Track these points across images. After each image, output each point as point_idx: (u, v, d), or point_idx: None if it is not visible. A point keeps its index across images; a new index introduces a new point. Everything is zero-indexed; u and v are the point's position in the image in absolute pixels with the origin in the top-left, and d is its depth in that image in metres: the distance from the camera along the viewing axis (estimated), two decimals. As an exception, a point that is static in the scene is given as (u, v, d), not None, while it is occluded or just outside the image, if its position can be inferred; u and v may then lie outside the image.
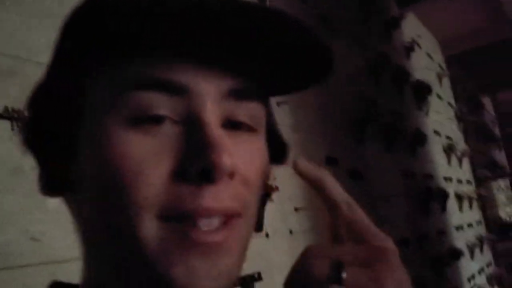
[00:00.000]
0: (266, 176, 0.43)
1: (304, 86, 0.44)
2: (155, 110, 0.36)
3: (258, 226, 1.66)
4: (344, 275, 0.36)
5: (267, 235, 1.74)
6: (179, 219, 0.36)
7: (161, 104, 0.36)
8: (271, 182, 1.58)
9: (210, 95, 0.37)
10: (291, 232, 1.89)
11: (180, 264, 0.36)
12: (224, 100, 0.38)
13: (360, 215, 0.42)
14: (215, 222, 0.37)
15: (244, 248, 0.41)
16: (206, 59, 0.37)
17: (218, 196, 0.36)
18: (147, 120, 0.36)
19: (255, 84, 0.40)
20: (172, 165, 0.36)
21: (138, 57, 0.36)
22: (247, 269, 1.57)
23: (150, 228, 0.36)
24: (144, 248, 0.36)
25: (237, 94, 0.39)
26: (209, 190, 0.36)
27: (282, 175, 1.86)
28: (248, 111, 0.40)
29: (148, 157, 0.36)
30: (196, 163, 0.35)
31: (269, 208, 1.74)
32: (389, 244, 0.40)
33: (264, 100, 0.43)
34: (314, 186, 0.43)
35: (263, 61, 0.38)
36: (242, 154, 0.39)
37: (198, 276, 0.36)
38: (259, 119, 0.42)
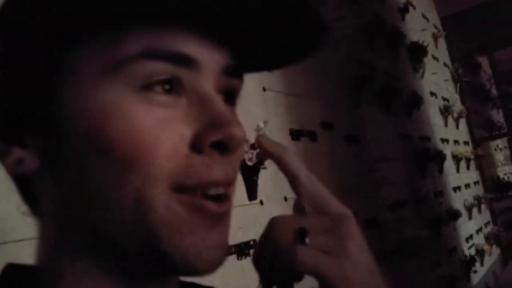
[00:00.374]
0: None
1: (296, 58, 0.44)
2: (163, 79, 0.36)
3: (252, 195, 1.66)
4: (307, 240, 0.39)
5: (261, 202, 1.74)
6: (191, 190, 0.37)
7: (169, 74, 0.36)
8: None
9: (213, 69, 0.38)
10: (285, 199, 1.89)
11: (191, 236, 0.36)
12: (220, 75, 0.39)
13: (320, 187, 0.45)
14: (226, 191, 0.39)
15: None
16: (208, 32, 0.37)
17: (227, 167, 0.38)
18: (156, 90, 0.36)
19: (246, 60, 0.41)
20: (185, 137, 0.36)
21: (143, 27, 0.35)
22: (243, 237, 1.58)
23: (163, 200, 0.36)
24: (156, 220, 0.35)
25: (230, 70, 0.40)
26: (220, 161, 0.37)
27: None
28: (234, 87, 0.42)
29: (160, 128, 0.36)
30: (212, 136, 0.36)
31: (263, 175, 1.74)
32: (348, 212, 0.43)
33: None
34: (276, 161, 0.46)
35: (255, 33, 0.39)
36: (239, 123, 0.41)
37: (207, 247, 0.37)
38: (239, 93, 0.43)
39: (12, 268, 0.43)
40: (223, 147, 0.37)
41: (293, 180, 0.45)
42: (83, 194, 0.37)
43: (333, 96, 2.63)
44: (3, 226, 1.06)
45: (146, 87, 0.35)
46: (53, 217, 0.40)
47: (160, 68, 0.36)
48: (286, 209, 1.90)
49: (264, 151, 0.46)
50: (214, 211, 0.38)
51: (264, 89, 1.97)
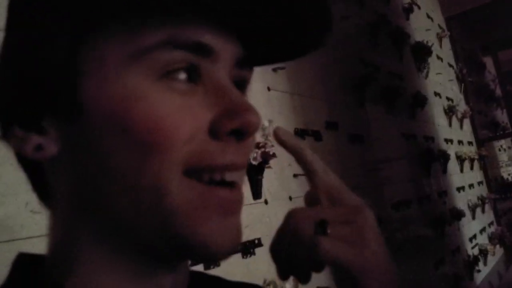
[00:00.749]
0: None
1: (303, 50, 0.45)
2: (182, 67, 0.37)
3: (257, 194, 1.67)
4: (329, 230, 0.41)
5: (266, 202, 1.75)
6: (204, 172, 0.38)
7: (188, 62, 0.37)
8: (269, 149, 1.58)
9: (229, 60, 0.40)
10: (290, 198, 1.90)
11: (206, 222, 0.37)
12: (233, 66, 0.41)
13: (336, 179, 0.47)
14: (239, 177, 0.40)
15: None
16: (223, 24, 0.39)
17: (240, 152, 0.39)
18: (175, 78, 0.37)
19: (257, 52, 0.43)
20: (204, 124, 0.37)
21: (165, 17, 0.36)
22: (248, 235, 1.59)
23: (178, 185, 0.36)
24: (172, 205, 0.36)
25: (242, 62, 0.41)
26: (236, 146, 0.39)
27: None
28: (244, 78, 0.43)
29: (180, 114, 0.36)
30: (230, 124, 0.37)
31: (268, 175, 1.74)
32: (363, 204, 0.45)
33: None
34: (294, 155, 0.48)
35: (268, 23, 0.40)
36: None
37: (222, 232, 0.38)
38: (249, 85, 0.45)
39: (24, 258, 0.43)
40: (240, 134, 0.38)
41: (309, 172, 0.47)
42: (103, 177, 0.37)
43: (337, 96, 2.64)
44: (13, 224, 1.07)
45: (167, 74, 0.37)
46: (68, 203, 0.40)
47: (180, 57, 0.37)
48: (289, 208, 1.90)
49: (282, 144, 0.48)
50: (228, 198, 0.39)
51: (268, 89, 1.98)
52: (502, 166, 7.63)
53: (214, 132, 0.38)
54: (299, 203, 1.93)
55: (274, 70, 2.01)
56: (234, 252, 0.41)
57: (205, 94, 0.38)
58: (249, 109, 0.38)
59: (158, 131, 0.36)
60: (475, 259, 4.35)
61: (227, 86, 0.39)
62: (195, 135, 0.37)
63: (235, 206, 0.40)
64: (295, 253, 0.43)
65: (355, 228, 0.42)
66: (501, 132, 7.29)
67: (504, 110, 7.70)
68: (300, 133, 2.11)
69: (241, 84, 0.43)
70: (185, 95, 0.37)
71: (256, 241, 1.61)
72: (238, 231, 0.40)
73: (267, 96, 1.95)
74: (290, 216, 0.44)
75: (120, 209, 0.37)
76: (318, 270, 0.43)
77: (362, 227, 0.42)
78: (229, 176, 0.39)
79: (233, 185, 0.39)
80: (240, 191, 0.41)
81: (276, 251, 0.46)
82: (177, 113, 0.36)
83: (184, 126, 0.36)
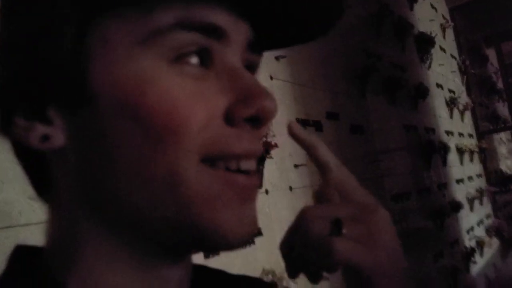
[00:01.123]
0: None
1: (312, 35, 0.44)
2: (194, 50, 0.36)
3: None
4: (344, 230, 0.40)
5: (266, 191, 1.74)
6: (221, 160, 0.36)
7: (200, 45, 0.36)
8: (270, 139, 1.57)
9: (240, 43, 0.38)
10: (291, 188, 1.89)
11: (223, 210, 0.36)
12: (245, 50, 0.39)
13: (349, 176, 0.46)
14: (254, 165, 0.38)
15: None
16: (234, 7, 0.37)
17: (257, 140, 0.38)
18: (187, 62, 0.36)
19: (267, 35, 0.41)
20: (219, 110, 0.36)
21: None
22: (247, 225, 1.58)
23: (195, 173, 0.35)
24: (189, 194, 0.35)
25: (253, 45, 0.40)
26: (252, 133, 0.37)
27: (282, 133, 1.85)
28: (255, 62, 0.42)
29: (194, 100, 0.35)
30: (246, 111, 0.36)
31: (269, 165, 1.74)
32: (376, 202, 0.44)
33: None
34: (307, 149, 0.47)
35: (276, 6, 0.39)
36: None
37: (240, 220, 0.37)
38: (258, 69, 0.43)
39: (21, 250, 0.42)
40: (257, 121, 0.37)
41: (323, 168, 0.46)
42: (113, 168, 0.36)
43: (338, 86, 2.62)
44: (10, 210, 1.06)
45: (178, 58, 0.35)
46: (71, 195, 0.38)
47: (192, 39, 0.35)
48: (291, 199, 1.90)
49: (295, 138, 0.47)
50: (245, 184, 0.37)
51: (271, 78, 1.97)
52: (501, 159, 7.64)
53: (229, 118, 0.36)
54: (300, 193, 1.94)
55: (277, 58, 1.99)
56: (250, 241, 0.40)
57: (218, 79, 0.37)
58: (265, 94, 0.37)
59: (173, 117, 0.34)
60: (472, 251, 4.37)
61: (240, 69, 0.38)
62: (210, 121, 0.35)
63: (253, 193, 0.39)
64: (307, 252, 0.42)
65: (369, 228, 0.41)
66: (502, 125, 7.29)
67: (505, 103, 7.69)
68: (301, 123, 2.09)
69: (252, 69, 0.42)
70: (198, 79, 0.36)
71: (256, 231, 1.60)
72: (255, 218, 0.39)
73: (269, 85, 1.93)
74: (303, 214, 0.43)
75: (130, 201, 0.36)
76: (331, 271, 0.42)
77: (376, 226, 0.41)
78: (244, 165, 0.37)
79: (250, 173, 0.38)
80: (256, 178, 0.39)
81: (287, 248, 0.44)
82: (191, 98, 0.35)
83: (200, 112, 0.35)
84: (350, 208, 0.43)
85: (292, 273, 0.45)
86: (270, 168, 1.75)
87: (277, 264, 1.58)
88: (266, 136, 1.55)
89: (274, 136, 1.56)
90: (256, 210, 0.39)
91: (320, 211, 0.42)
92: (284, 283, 1.57)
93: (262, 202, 1.70)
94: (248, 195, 0.38)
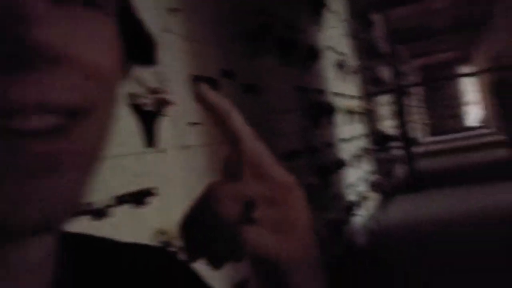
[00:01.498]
0: (121, 71, 0.34)
1: None
2: None
3: (149, 141, 1.60)
4: (257, 214, 0.36)
5: (160, 150, 1.69)
6: (4, 120, 0.26)
7: None
8: (166, 96, 1.51)
9: None
10: (186, 147, 1.86)
11: (5, 185, 0.26)
12: None
13: (264, 152, 0.41)
14: (50, 122, 0.27)
15: (93, 161, 0.32)
16: None
17: (47, 86, 0.27)
18: None
19: None
20: None
21: None
22: (141, 184, 1.53)
23: None
24: None
25: None
26: (31, 79, 0.26)
27: (177, 90, 1.79)
28: None
29: None
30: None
31: (164, 123, 1.68)
32: (293, 180, 0.40)
33: None
34: (218, 115, 0.41)
35: None
36: (79, 36, 0.28)
37: (29, 199, 0.27)
38: None
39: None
40: (18, 59, 0.25)
41: (234, 138, 0.40)
42: None
43: (233, 44, 2.59)
44: None
45: None
46: None
47: None
48: (187, 157, 1.87)
49: (204, 103, 0.40)
50: (38, 151, 0.27)
51: (163, 31, 1.88)
52: (382, 120, 8.19)
53: None
54: (196, 152, 1.90)
55: (169, 11, 1.90)
56: (57, 222, 0.30)
57: None
58: (30, 17, 0.25)
59: None
60: (355, 204, 4.69)
61: None
62: None
63: (57, 161, 0.28)
64: (213, 236, 0.37)
65: (284, 211, 0.38)
66: (386, 88, 7.77)
67: (390, 67, 8.18)
68: (196, 80, 2.04)
69: None
70: None
71: (148, 191, 1.55)
72: (59, 196, 0.28)
73: (161, 39, 1.85)
74: (210, 192, 0.37)
75: None
76: (237, 259, 0.38)
77: (292, 209, 0.38)
78: (37, 123, 0.26)
79: (51, 133, 0.27)
80: (69, 138, 0.28)
81: (189, 228, 0.38)
82: None
83: None
84: (264, 187, 0.38)
85: (192, 257, 0.39)
86: (165, 126, 1.69)
87: (171, 224, 1.56)
88: (159, 92, 1.48)
89: (169, 93, 1.50)
90: (67, 185, 0.29)
91: (230, 189, 0.37)
92: (178, 243, 1.55)
93: (155, 160, 1.65)
94: (45, 165, 0.27)
